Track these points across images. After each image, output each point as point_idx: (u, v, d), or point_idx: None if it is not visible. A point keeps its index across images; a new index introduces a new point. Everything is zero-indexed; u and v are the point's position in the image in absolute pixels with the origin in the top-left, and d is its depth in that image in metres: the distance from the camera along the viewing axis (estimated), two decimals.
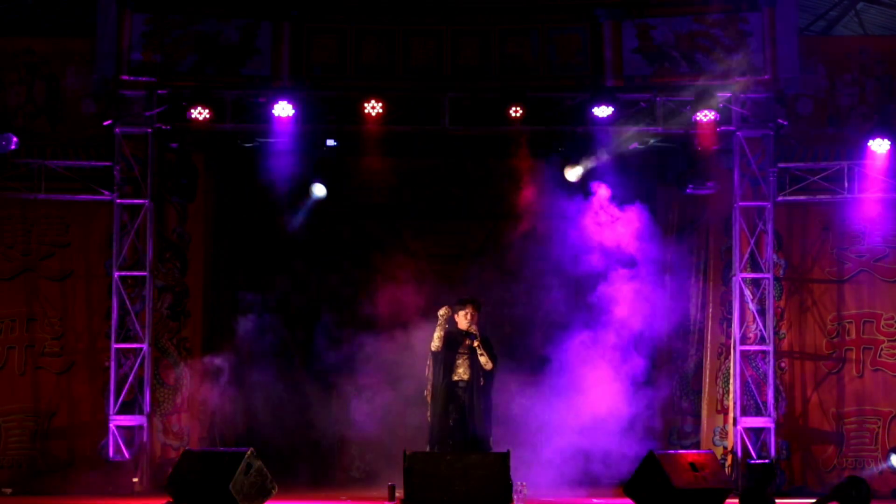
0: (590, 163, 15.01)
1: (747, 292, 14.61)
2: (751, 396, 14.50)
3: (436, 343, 12.97)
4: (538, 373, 16.55)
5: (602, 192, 15.36)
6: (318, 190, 15.60)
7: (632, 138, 14.74)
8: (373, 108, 14.22)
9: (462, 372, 13.01)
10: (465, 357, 13.03)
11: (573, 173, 15.18)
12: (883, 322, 14.62)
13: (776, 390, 14.50)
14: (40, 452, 14.48)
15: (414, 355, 14.53)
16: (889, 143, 14.22)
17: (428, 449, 12.78)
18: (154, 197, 14.61)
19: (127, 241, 14.54)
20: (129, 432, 14.35)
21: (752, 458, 14.24)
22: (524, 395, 16.16)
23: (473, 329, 13.01)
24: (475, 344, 12.95)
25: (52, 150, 14.63)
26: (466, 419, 12.88)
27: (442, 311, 12.98)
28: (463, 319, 13.05)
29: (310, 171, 15.55)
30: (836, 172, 14.54)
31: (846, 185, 14.51)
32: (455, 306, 13.11)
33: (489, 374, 13.09)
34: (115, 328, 14.45)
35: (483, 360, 12.96)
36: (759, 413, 14.46)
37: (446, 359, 13.01)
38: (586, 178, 15.18)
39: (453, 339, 13.07)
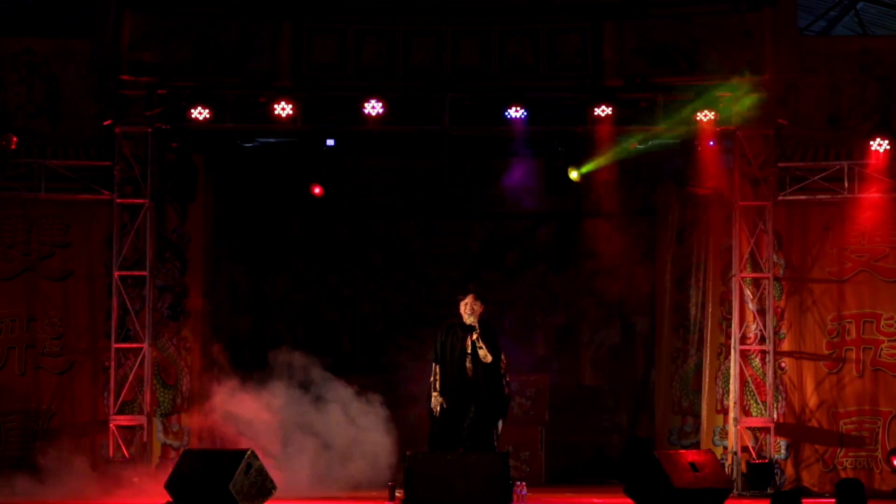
0: (593, 162, 14.95)
1: (747, 292, 14.60)
2: (751, 396, 14.48)
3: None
4: (538, 372, 16.58)
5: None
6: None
7: (631, 138, 14.74)
8: (373, 108, 14.18)
9: (468, 373, 12.30)
10: (470, 358, 12.33)
11: (576, 173, 15.12)
12: (883, 322, 14.60)
13: (776, 390, 14.49)
14: (40, 452, 14.46)
15: (414, 355, 14.55)
16: (889, 143, 14.21)
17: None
18: (154, 197, 14.59)
19: (127, 241, 14.52)
20: (129, 432, 14.34)
21: (752, 458, 14.24)
22: (523, 396, 16.19)
23: (473, 321, 12.34)
24: (474, 337, 12.28)
25: (52, 150, 14.60)
26: (469, 423, 12.25)
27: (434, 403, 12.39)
28: (464, 312, 12.40)
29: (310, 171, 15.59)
30: (836, 172, 14.52)
31: (846, 185, 14.49)
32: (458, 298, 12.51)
33: (491, 369, 12.29)
34: (114, 328, 14.43)
35: (482, 353, 12.25)
36: (759, 413, 14.45)
37: (452, 359, 12.34)
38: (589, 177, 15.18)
39: (456, 337, 12.41)
